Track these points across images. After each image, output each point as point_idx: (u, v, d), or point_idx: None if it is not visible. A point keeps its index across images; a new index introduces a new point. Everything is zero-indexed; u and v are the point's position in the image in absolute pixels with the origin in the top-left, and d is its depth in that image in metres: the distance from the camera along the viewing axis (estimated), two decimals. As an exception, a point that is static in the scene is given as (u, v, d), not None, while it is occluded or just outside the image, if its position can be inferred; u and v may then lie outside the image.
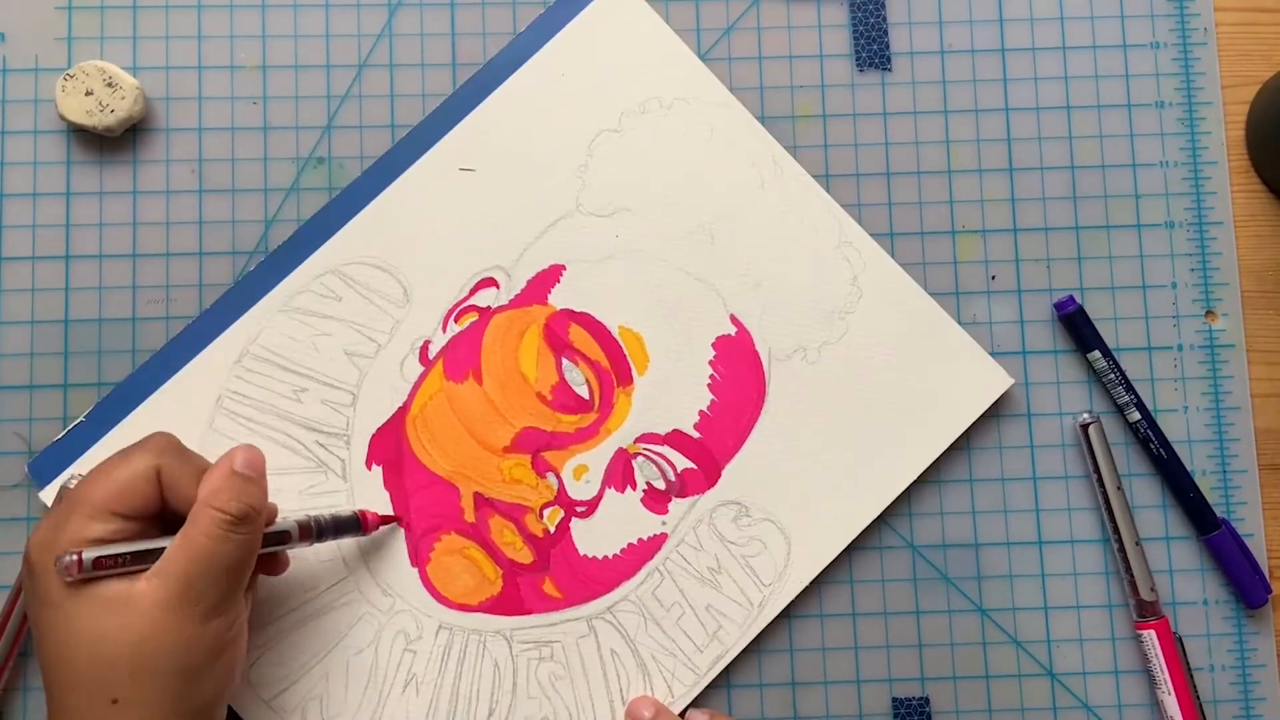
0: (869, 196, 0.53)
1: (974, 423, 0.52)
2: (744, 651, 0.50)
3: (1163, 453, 0.52)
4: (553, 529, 0.51)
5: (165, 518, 0.43)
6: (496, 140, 0.52)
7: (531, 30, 0.53)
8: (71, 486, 0.47)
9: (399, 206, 0.52)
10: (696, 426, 0.51)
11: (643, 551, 0.51)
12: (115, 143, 0.52)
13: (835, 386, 0.52)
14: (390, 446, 0.51)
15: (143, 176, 0.52)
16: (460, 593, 0.50)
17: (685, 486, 0.51)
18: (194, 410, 0.50)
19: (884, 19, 0.54)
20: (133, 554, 0.40)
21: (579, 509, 0.51)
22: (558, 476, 0.51)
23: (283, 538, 0.45)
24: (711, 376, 0.51)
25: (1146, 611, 0.50)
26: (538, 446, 0.51)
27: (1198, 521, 0.52)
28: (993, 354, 0.53)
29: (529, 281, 0.52)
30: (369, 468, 0.51)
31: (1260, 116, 0.54)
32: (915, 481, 0.52)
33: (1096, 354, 0.52)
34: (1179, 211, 0.54)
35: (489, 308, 0.52)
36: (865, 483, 0.51)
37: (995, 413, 0.52)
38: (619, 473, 0.51)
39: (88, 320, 0.52)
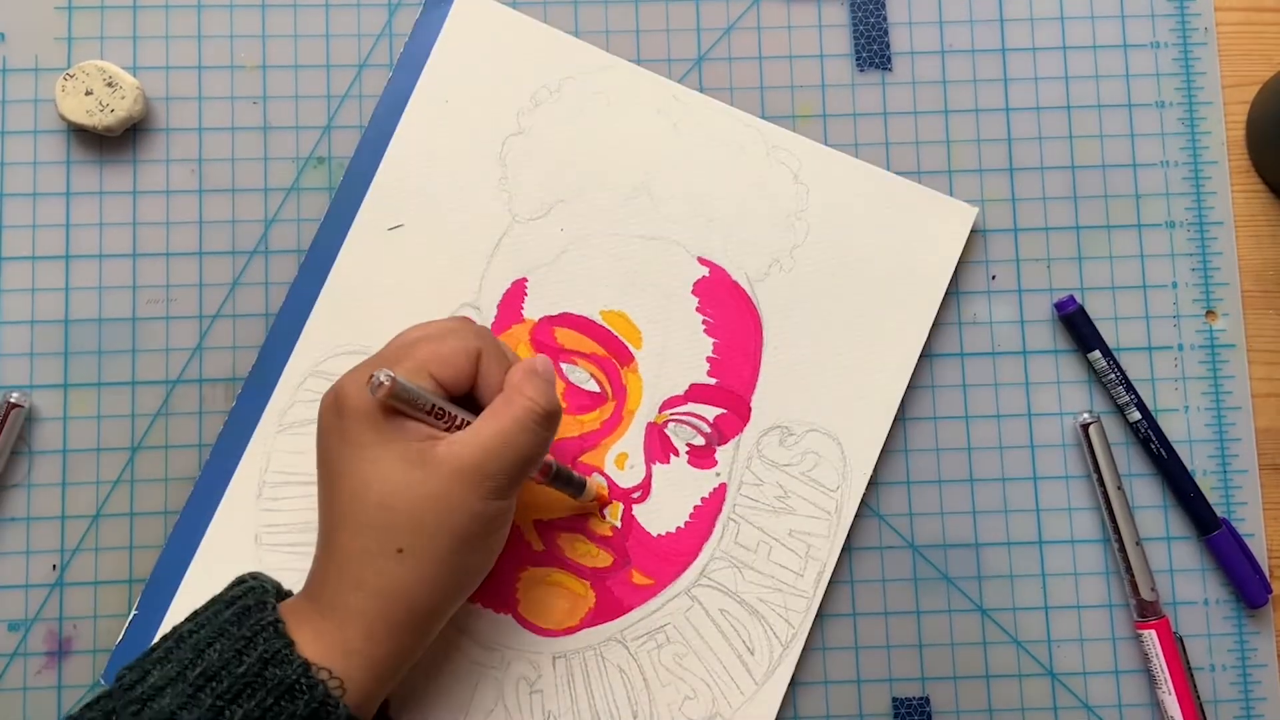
0: (869, 196, 0.53)
1: (974, 423, 0.52)
2: (744, 651, 0.51)
3: (1163, 453, 0.52)
4: (619, 524, 0.51)
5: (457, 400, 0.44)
6: (411, 187, 0.52)
7: (399, 72, 0.53)
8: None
9: (347, 287, 0.51)
10: (710, 373, 0.51)
11: (710, 509, 0.51)
12: (115, 143, 0.52)
13: (820, 282, 0.52)
14: None
15: (143, 176, 0.52)
16: (560, 619, 0.50)
17: (723, 432, 0.51)
18: (236, 560, 0.50)
19: (884, 19, 0.54)
20: (440, 407, 0.41)
21: (635, 495, 0.51)
22: (603, 474, 0.51)
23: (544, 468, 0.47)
24: (704, 321, 0.51)
25: (1147, 611, 0.50)
26: (573, 455, 0.51)
27: (1198, 521, 0.52)
28: (993, 354, 0.53)
29: (499, 306, 0.52)
30: None
31: (1260, 116, 0.54)
32: (915, 481, 0.52)
33: (1097, 354, 0.52)
34: (1179, 211, 0.54)
35: None
36: (884, 355, 0.52)
37: (995, 413, 0.52)
38: (657, 446, 0.51)
39: (88, 320, 0.52)
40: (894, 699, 0.51)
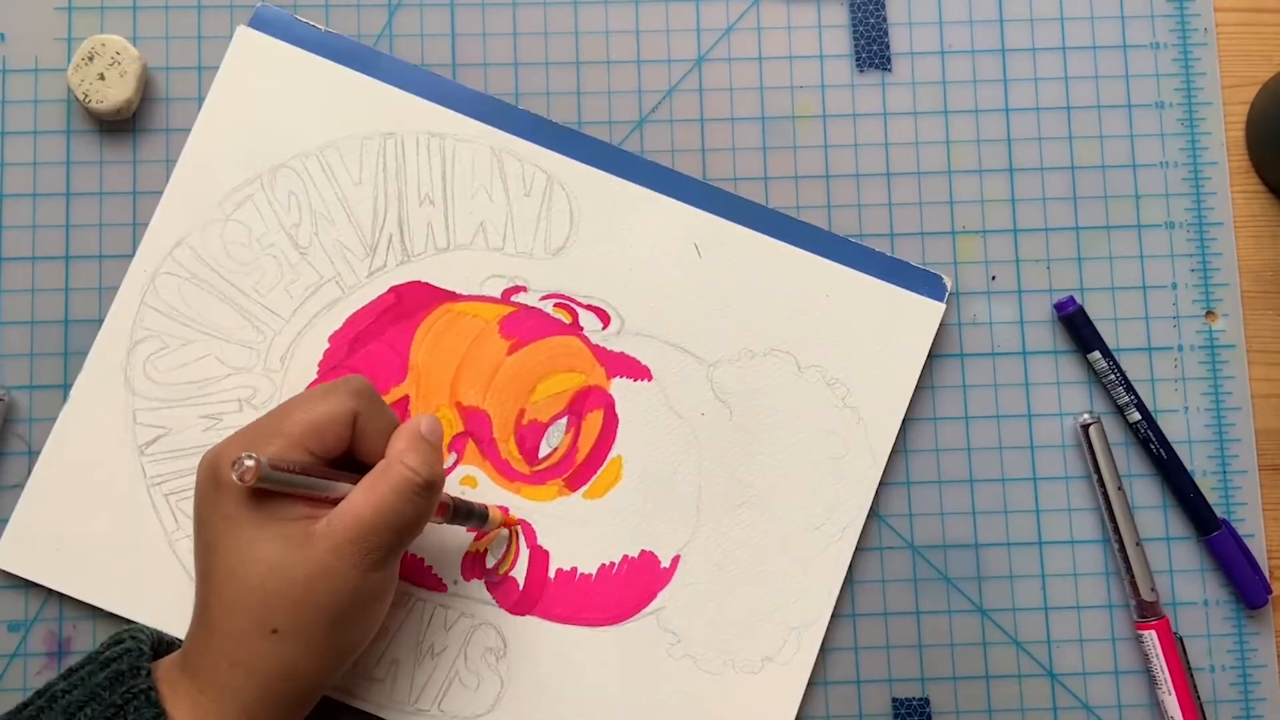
0: (869, 197, 0.53)
1: (974, 423, 0.52)
2: (744, 652, 0.50)
3: (1163, 453, 0.52)
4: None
5: (336, 462, 0.43)
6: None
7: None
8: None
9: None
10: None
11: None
12: (116, 144, 0.52)
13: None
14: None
15: (143, 177, 0.52)
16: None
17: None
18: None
19: (884, 19, 0.54)
20: (313, 486, 0.40)
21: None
22: (454, 464, 0.50)
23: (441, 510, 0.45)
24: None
25: (1147, 612, 0.50)
26: (477, 431, 0.50)
27: (1198, 522, 0.52)
28: (993, 354, 0.53)
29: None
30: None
31: (1260, 116, 0.54)
32: (915, 481, 0.52)
33: (1096, 354, 0.52)
34: (1179, 212, 0.54)
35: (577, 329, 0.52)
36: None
37: (995, 413, 0.52)
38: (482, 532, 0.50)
39: (87, 320, 0.51)
40: (894, 699, 0.51)
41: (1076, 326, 0.52)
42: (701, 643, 0.50)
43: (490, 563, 0.50)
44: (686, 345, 0.51)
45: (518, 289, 0.51)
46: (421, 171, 0.52)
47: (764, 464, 0.51)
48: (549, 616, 0.50)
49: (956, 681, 0.51)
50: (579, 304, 0.51)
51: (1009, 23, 0.55)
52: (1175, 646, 0.50)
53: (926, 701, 0.51)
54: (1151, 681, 0.50)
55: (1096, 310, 0.53)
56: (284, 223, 0.51)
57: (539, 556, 0.50)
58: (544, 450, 0.50)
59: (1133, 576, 0.51)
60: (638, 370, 0.51)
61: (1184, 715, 0.49)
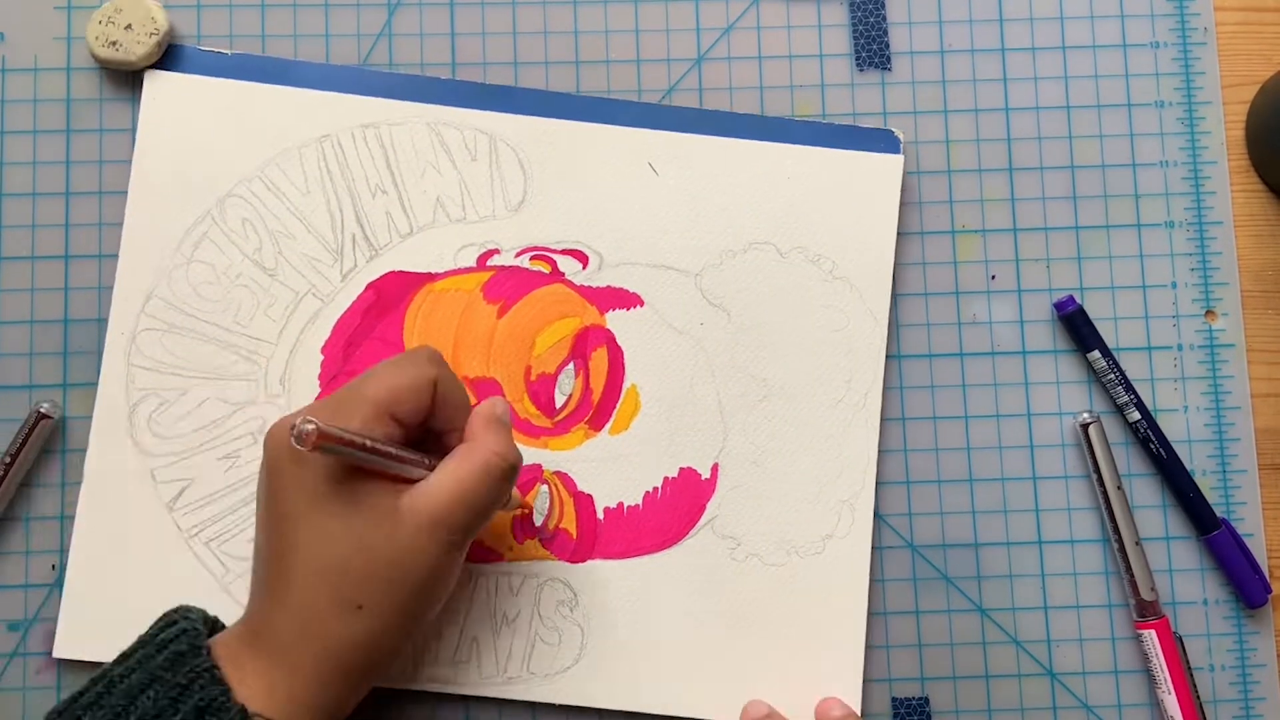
0: (869, 196, 0.53)
1: (973, 423, 0.52)
2: (744, 651, 0.51)
3: (1163, 453, 0.52)
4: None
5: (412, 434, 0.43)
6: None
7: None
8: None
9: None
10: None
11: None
12: (114, 144, 0.52)
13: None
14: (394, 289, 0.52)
15: (143, 176, 0.52)
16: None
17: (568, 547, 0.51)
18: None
19: (884, 19, 0.54)
20: (379, 451, 0.40)
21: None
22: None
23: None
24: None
25: (1147, 611, 0.50)
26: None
27: (1198, 521, 0.52)
28: (992, 354, 0.53)
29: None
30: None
31: (1260, 116, 0.54)
32: (914, 481, 0.52)
33: (1096, 354, 0.52)
34: (1179, 211, 0.54)
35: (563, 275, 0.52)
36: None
37: (995, 413, 0.52)
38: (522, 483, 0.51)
39: (87, 320, 0.52)
40: (894, 699, 0.51)
41: (1076, 326, 0.52)
42: (760, 539, 0.50)
43: (539, 520, 0.50)
44: (668, 262, 0.52)
45: (491, 252, 0.52)
46: (365, 164, 0.52)
47: (773, 355, 0.51)
48: (609, 555, 0.50)
49: (956, 681, 0.51)
50: (554, 251, 0.52)
51: (1009, 22, 0.55)
52: (1175, 646, 0.50)
53: (926, 701, 0.51)
54: (1151, 681, 0.50)
55: (1096, 310, 0.53)
56: (245, 250, 0.51)
57: (584, 502, 0.50)
58: (559, 400, 0.51)
59: (1132, 576, 0.51)
60: (628, 299, 0.51)
61: (1184, 715, 0.49)
